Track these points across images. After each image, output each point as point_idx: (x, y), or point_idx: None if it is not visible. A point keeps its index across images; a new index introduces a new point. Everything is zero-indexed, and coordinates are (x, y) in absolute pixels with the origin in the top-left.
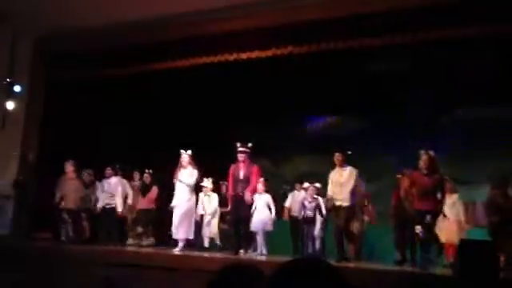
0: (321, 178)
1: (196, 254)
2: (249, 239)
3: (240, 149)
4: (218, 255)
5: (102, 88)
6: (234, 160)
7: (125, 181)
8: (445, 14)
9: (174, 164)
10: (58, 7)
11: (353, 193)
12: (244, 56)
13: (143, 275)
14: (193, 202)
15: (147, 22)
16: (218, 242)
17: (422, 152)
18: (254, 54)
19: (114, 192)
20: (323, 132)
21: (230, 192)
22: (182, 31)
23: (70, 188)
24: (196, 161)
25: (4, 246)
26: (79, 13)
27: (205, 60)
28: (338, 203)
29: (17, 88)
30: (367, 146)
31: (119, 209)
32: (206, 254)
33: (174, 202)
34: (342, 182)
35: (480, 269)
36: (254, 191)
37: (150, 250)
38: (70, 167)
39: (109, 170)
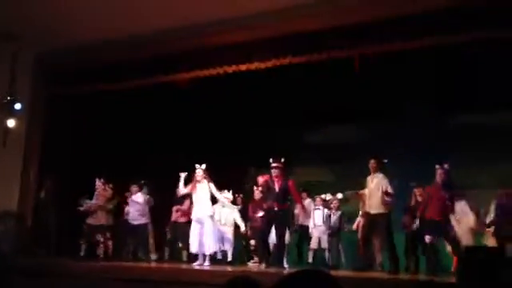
0: (326, 188)
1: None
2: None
3: (273, 164)
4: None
5: (104, 103)
6: (254, 173)
7: (148, 196)
8: (449, 19)
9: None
10: (58, 24)
11: (382, 200)
12: (244, 67)
13: None
14: (213, 216)
15: (147, 36)
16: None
17: (438, 167)
18: (254, 65)
19: (142, 208)
20: (327, 142)
21: (264, 206)
22: (182, 44)
23: (99, 204)
24: (211, 174)
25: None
26: (79, 29)
27: (208, 72)
28: (367, 210)
29: (17, 106)
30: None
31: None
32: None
33: (192, 217)
34: (372, 188)
35: (483, 275)
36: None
37: (168, 265)
38: (100, 184)
39: (134, 187)
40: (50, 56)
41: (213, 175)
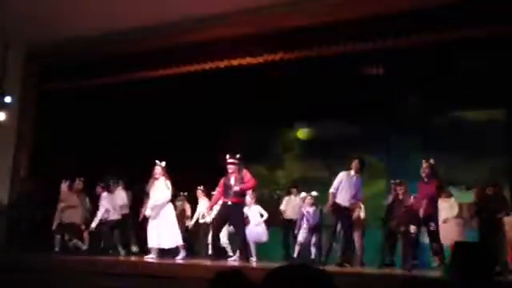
0: (314, 183)
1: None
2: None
3: (229, 160)
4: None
5: (94, 98)
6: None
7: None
8: (435, 16)
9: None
10: (49, 18)
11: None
12: (235, 63)
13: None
14: (170, 211)
15: (139, 31)
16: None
17: (424, 161)
18: (245, 61)
19: (115, 204)
20: (317, 137)
21: (222, 200)
22: (170, 40)
23: (75, 202)
24: (169, 172)
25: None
26: (70, 23)
27: (194, 68)
28: (342, 204)
29: (7, 99)
30: (359, 151)
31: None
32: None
33: (147, 212)
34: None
35: (476, 271)
36: (248, 188)
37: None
38: (78, 182)
39: (106, 184)
40: (41, 51)
41: (200, 172)
